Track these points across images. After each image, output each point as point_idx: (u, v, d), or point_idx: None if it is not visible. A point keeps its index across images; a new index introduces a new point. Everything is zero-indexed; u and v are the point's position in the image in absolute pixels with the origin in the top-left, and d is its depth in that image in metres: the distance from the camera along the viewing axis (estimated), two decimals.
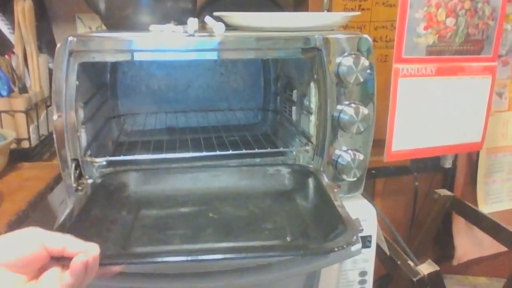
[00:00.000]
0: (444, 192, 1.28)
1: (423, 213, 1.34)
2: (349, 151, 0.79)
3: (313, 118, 0.81)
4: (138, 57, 0.69)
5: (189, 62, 1.03)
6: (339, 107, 0.77)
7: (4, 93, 0.96)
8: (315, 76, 0.77)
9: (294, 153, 0.86)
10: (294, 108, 0.92)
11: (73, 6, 1.15)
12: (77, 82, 0.69)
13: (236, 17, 0.78)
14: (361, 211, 0.80)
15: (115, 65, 0.99)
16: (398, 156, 1.00)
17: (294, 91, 0.91)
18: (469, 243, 1.37)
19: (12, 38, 0.99)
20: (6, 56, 0.98)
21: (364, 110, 0.76)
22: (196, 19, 0.69)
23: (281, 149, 0.86)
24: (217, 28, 0.69)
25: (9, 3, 0.97)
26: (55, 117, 0.69)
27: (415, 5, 0.92)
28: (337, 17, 0.77)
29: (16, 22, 0.99)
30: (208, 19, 0.71)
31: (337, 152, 0.80)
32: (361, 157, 0.79)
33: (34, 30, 1.00)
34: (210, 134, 0.95)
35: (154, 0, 0.80)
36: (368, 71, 0.75)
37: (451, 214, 1.33)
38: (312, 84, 0.80)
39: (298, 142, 0.88)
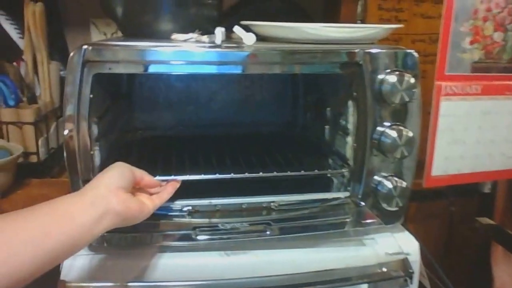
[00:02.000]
0: (486, 220, 1.19)
1: (458, 241, 1.25)
2: (391, 178, 0.71)
3: (350, 139, 0.74)
4: (160, 69, 0.63)
5: (212, 74, 0.96)
6: (380, 128, 0.70)
7: (12, 103, 0.91)
8: (354, 94, 0.70)
9: (329, 175, 0.79)
10: (327, 127, 0.85)
11: (87, 10, 1.09)
12: (91, 95, 0.62)
13: (267, 27, 0.71)
14: (403, 245, 0.73)
15: (132, 75, 0.93)
16: (439, 182, 0.92)
17: (328, 109, 0.84)
18: (509, 274, 1.28)
19: (21, 43, 0.94)
20: (15, 63, 0.93)
21: (408, 133, 0.68)
22: (223, 29, 0.63)
23: (316, 171, 0.78)
24: (248, 38, 0.63)
25: (19, 6, 0.92)
26: (66, 131, 0.63)
27: (460, 18, 0.85)
28: (378, 29, 0.70)
29: (26, 27, 0.94)
30: (237, 29, 0.64)
31: (377, 178, 0.72)
32: (404, 184, 0.71)
33: (45, 35, 0.94)
34: (235, 151, 0.88)
35: (176, 6, 0.74)
36: (414, 90, 0.67)
37: (490, 242, 1.24)
38: (349, 103, 0.73)
39: (331, 164, 0.80)
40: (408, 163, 0.72)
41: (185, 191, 0.69)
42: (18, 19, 0.94)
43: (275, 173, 0.73)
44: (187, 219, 0.69)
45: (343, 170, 0.75)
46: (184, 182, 0.69)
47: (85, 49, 0.60)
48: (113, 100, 0.83)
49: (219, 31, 0.62)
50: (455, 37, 0.85)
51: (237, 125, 0.99)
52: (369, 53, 0.66)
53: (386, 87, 0.67)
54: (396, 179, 0.71)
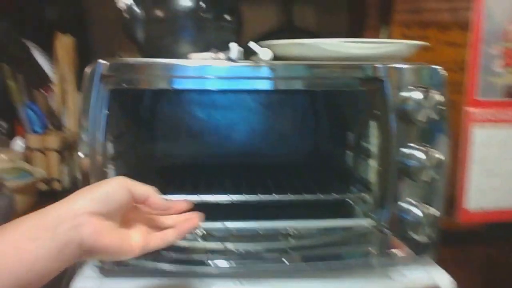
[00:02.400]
0: None
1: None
2: (419, 204, 0.66)
3: (373, 162, 0.70)
4: (175, 84, 0.62)
5: (232, 103, 0.95)
6: (405, 150, 0.65)
7: (38, 129, 0.93)
8: (376, 113, 0.67)
9: (351, 202, 0.74)
10: (348, 152, 0.81)
11: (114, 44, 1.13)
12: (107, 112, 0.62)
13: (281, 46, 0.69)
14: (437, 283, 0.66)
15: (153, 102, 0.93)
16: (473, 217, 0.85)
17: (349, 133, 0.80)
18: None
19: (51, 73, 0.97)
20: (44, 92, 0.95)
21: (437, 155, 0.64)
22: (237, 44, 0.62)
23: (334, 195, 0.73)
24: (264, 53, 0.61)
25: (50, 38, 0.96)
26: (80, 147, 0.62)
27: (490, 40, 0.81)
28: (402, 45, 0.67)
29: (56, 58, 0.97)
30: (252, 44, 0.64)
31: (404, 204, 0.67)
32: (435, 212, 0.65)
33: (73, 66, 0.97)
34: (252, 176, 0.84)
35: (196, 30, 0.74)
36: (441, 107, 0.63)
37: None
38: (371, 123, 0.69)
39: (352, 189, 0.76)
40: (438, 189, 0.66)
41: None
42: (49, 50, 0.98)
43: (290, 196, 0.69)
44: (200, 243, 0.65)
45: (364, 194, 0.70)
46: (197, 205, 0.66)
47: (101, 64, 0.61)
48: (133, 125, 0.83)
49: (234, 46, 0.61)
50: (485, 60, 0.82)
51: (257, 156, 0.97)
52: (392, 68, 0.64)
53: (411, 104, 0.63)
54: (426, 206, 0.66)
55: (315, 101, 0.96)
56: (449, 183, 0.76)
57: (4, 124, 0.96)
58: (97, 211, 0.45)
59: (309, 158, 1.00)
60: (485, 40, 0.81)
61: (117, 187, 0.48)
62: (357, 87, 0.64)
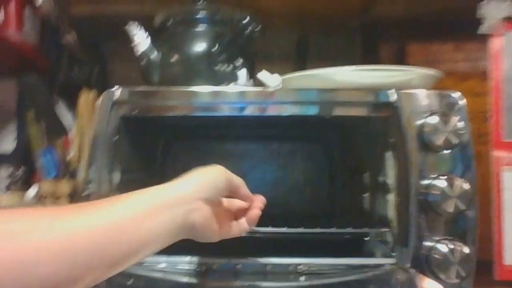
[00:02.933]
0: None
1: None
2: (446, 241, 0.59)
3: (391, 197, 0.64)
4: (186, 110, 0.62)
5: (245, 152, 0.94)
6: (425, 181, 0.60)
7: (52, 175, 0.93)
8: (392, 142, 0.63)
9: (370, 240, 0.67)
10: (366, 195, 0.75)
11: None
12: (116, 137, 0.61)
13: (287, 80, 0.69)
14: None
15: (166, 145, 0.92)
16: None
17: (364, 175, 0.76)
18: None
19: (72, 124, 1.00)
20: (63, 141, 0.97)
21: (461, 183, 0.58)
22: (245, 69, 0.62)
23: (350, 229, 0.66)
24: (273, 80, 0.61)
25: (76, 94, 1.00)
26: (87, 171, 0.60)
27: (511, 81, 0.79)
28: (415, 73, 0.65)
29: (78, 111, 1.00)
30: (261, 74, 0.64)
31: (428, 242, 0.60)
32: (465, 248, 0.58)
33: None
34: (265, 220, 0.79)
35: (210, 71, 0.76)
36: (462, 131, 0.59)
37: None
38: (387, 154, 0.65)
39: (372, 227, 0.69)
40: (467, 222, 0.59)
41: (200, 247, 0.61)
42: (73, 104, 1.02)
43: (302, 229, 0.63)
44: (200, 280, 0.59)
45: (384, 231, 0.63)
46: None
47: (114, 90, 0.61)
48: (144, 165, 0.81)
49: (243, 72, 0.61)
50: (509, 99, 0.78)
51: (270, 206, 0.91)
52: (406, 93, 0.61)
53: (428, 129, 0.59)
54: (453, 242, 0.58)
55: (328, 148, 0.92)
56: (483, 238, 0.69)
57: (20, 171, 0.96)
58: (207, 198, 0.47)
59: (324, 205, 0.94)
60: (507, 79, 0.79)
61: (220, 176, 0.50)
62: (370, 113, 0.62)
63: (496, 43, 0.81)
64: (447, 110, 0.61)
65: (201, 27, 0.76)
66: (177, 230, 0.44)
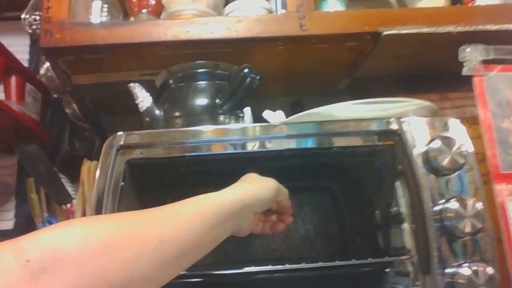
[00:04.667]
0: None
1: None
2: (468, 263, 0.57)
3: (406, 225, 0.63)
4: (190, 150, 0.62)
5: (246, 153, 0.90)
6: (438, 206, 0.60)
7: None
8: (399, 168, 0.63)
9: (389, 272, 0.64)
10: (379, 233, 0.73)
11: None
12: (122, 183, 0.60)
13: (295, 120, 0.71)
14: None
15: (173, 187, 0.89)
16: None
17: (376, 212, 0.75)
18: None
19: (73, 192, 0.98)
20: (66, 207, 0.95)
21: (473, 202, 0.58)
22: (249, 109, 0.64)
23: (370, 260, 0.63)
24: (277, 117, 0.63)
25: (78, 165, 1.00)
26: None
27: (498, 115, 0.82)
28: (412, 106, 0.67)
29: (80, 180, 0.99)
30: (266, 113, 0.65)
31: (450, 267, 0.58)
32: (488, 269, 0.56)
33: None
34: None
35: (211, 123, 0.78)
36: (466, 151, 0.61)
37: None
38: (397, 183, 0.65)
39: (391, 260, 0.66)
40: (485, 241, 0.58)
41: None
42: (75, 177, 1.01)
43: (321, 264, 0.60)
44: None
45: (404, 257, 0.61)
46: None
47: (119, 135, 0.62)
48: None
49: (248, 110, 0.63)
50: (500, 134, 0.81)
51: (280, 261, 0.88)
52: (407, 121, 0.63)
53: (433, 155, 0.60)
54: (477, 264, 0.57)
55: (335, 197, 0.91)
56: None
57: None
58: (259, 211, 0.56)
59: (337, 251, 0.90)
60: (494, 116, 0.82)
61: (273, 191, 0.57)
62: (375, 142, 0.63)
63: (479, 84, 0.86)
64: (448, 134, 0.62)
65: (202, 83, 0.79)
66: (228, 235, 0.51)
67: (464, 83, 0.87)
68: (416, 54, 0.97)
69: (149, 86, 0.82)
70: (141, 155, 0.61)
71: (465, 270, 0.56)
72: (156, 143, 0.61)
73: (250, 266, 0.60)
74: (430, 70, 1.05)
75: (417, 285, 0.59)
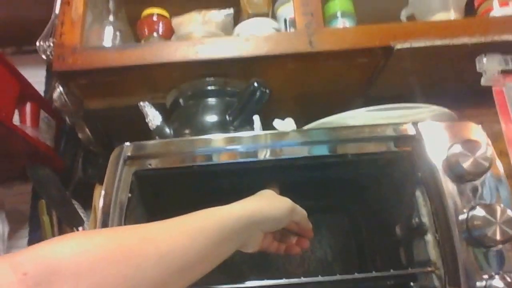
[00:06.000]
0: None
1: None
2: (501, 275, 0.51)
3: (430, 237, 0.58)
4: (199, 159, 0.59)
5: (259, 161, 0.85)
6: (464, 214, 0.55)
7: None
8: (419, 176, 0.59)
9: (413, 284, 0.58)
10: (401, 249, 0.68)
11: None
12: (129, 194, 0.58)
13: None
14: None
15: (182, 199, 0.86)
16: None
17: (397, 227, 0.69)
18: None
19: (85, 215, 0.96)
20: (76, 230, 0.92)
21: (503, 209, 0.53)
22: (258, 117, 0.61)
23: (392, 271, 0.57)
24: (287, 124, 0.60)
25: (85, 189, 0.99)
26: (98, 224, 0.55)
27: None
28: (430, 111, 0.64)
29: (92, 206, 0.97)
30: (276, 122, 0.63)
31: (480, 281, 0.52)
32: None
33: None
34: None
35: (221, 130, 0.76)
36: (489, 155, 0.56)
37: None
38: (417, 192, 0.61)
39: (416, 275, 0.60)
40: None
41: None
42: (87, 204, 1.00)
43: (338, 277, 0.55)
44: None
45: (429, 269, 0.55)
46: None
47: (127, 146, 0.60)
48: None
49: (257, 118, 0.60)
50: None
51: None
52: (425, 125, 0.59)
53: (454, 158, 0.56)
54: (509, 275, 0.51)
55: (352, 215, 0.86)
56: None
57: None
58: (268, 231, 0.53)
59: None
60: None
61: (286, 211, 0.53)
62: (391, 148, 0.59)
63: (499, 95, 0.82)
64: (468, 138, 0.59)
65: (211, 100, 0.78)
66: (234, 250, 0.49)
67: (482, 99, 0.83)
68: (431, 70, 0.94)
69: (160, 109, 0.81)
70: (149, 166, 0.59)
71: (497, 282, 0.51)
72: (164, 152, 0.59)
73: (252, 280, 0.56)
74: (446, 86, 1.02)
75: None
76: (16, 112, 0.94)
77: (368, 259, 0.81)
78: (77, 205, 1.00)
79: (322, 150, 0.59)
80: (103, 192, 0.57)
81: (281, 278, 0.69)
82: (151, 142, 0.60)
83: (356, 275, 0.55)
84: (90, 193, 1.01)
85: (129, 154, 0.59)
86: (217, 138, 0.60)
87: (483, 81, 0.81)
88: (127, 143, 0.60)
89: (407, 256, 0.66)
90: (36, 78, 1.14)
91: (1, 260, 0.35)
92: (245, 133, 0.60)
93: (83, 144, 1.05)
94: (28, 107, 0.95)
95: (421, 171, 0.59)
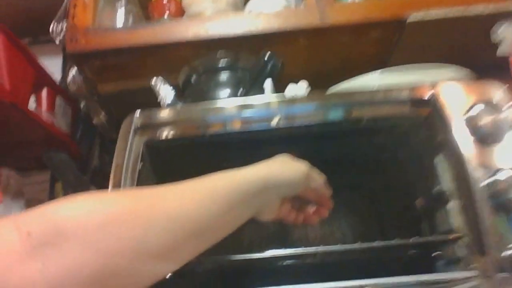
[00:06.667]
0: None
1: None
2: None
3: (452, 204, 0.54)
4: (213, 127, 0.56)
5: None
6: (487, 180, 0.51)
7: None
8: (438, 139, 0.55)
9: (437, 256, 0.54)
10: (424, 223, 0.64)
11: None
12: (140, 164, 0.55)
13: None
14: None
15: (195, 168, 0.82)
16: None
17: (417, 201, 0.65)
18: None
19: None
20: None
21: None
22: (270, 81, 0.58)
23: (416, 239, 0.53)
24: (300, 88, 0.57)
25: (102, 178, 0.97)
26: None
27: None
28: (449, 71, 0.60)
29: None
30: (288, 89, 0.59)
31: (510, 249, 0.48)
32: None
33: None
34: None
35: None
36: None
37: None
38: (438, 158, 0.56)
39: (440, 237, 0.56)
40: None
41: (257, 276, 0.50)
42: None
43: (358, 245, 0.51)
44: None
45: (454, 235, 0.51)
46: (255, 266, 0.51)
47: (135, 114, 0.57)
48: None
49: (268, 82, 0.57)
50: None
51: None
52: (443, 86, 0.55)
53: (476, 119, 0.52)
54: None
55: (372, 193, 0.81)
56: None
57: None
58: (283, 196, 0.49)
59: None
60: None
61: (302, 175, 0.49)
62: (407, 112, 0.55)
63: None
64: (490, 97, 0.54)
65: (223, 75, 0.75)
66: (249, 217, 0.45)
67: (500, 73, 0.78)
68: (446, 44, 0.89)
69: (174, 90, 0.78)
70: (159, 136, 0.56)
71: None
72: (175, 120, 0.56)
73: (273, 249, 0.52)
74: (462, 62, 0.97)
75: (472, 269, 0.49)
76: (33, 100, 0.92)
77: (389, 238, 0.76)
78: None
79: (337, 114, 0.55)
80: (114, 163, 0.54)
81: None
82: (162, 109, 0.57)
83: (376, 244, 0.51)
84: (107, 181, 0.99)
85: (139, 123, 0.56)
86: (230, 105, 0.57)
87: (499, 52, 0.77)
88: (137, 111, 0.57)
89: (430, 228, 0.62)
90: (53, 67, 1.13)
91: (6, 219, 0.33)
92: (258, 98, 0.57)
93: (99, 131, 1.04)
94: (44, 92, 0.93)
95: (441, 135, 0.55)
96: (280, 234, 0.77)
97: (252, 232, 0.76)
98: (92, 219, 0.33)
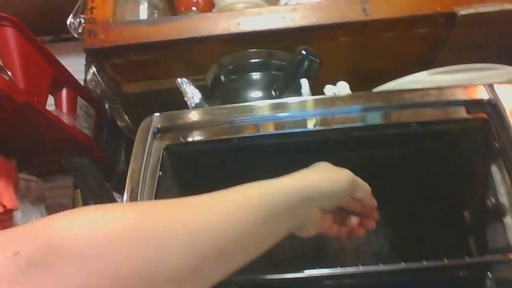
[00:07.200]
0: None
1: None
2: None
3: (509, 219, 0.52)
4: (241, 131, 0.56)
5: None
6: None
7: None
8: (496, 147, 0.53)
9: (491, 279, 0.52)
10: (472, 237, 0.61)
11: None
12: (160, 173, 0.55)
13: None
14: None
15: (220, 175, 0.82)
16: None
17: (466, 213, 0.62)
18: None
19: None
20: None
21: None
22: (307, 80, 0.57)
23: (466, 259, 0.51)
24: (341, 87, 0.55)
25: None
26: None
27: None
28: (502, 75, 0.58)
29: None
30: (327, 89, 0.58)
31: None
32: None
33: None
34: None
35: None
36: None
37: None
38: (493, 167, 0.54)
39: (494, 263, 0.54)
40: None
41: None
42: None
43: (402, 265, 0.49)
44: None
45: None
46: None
47: (156, 116, 0.57)
48: None
49: (305, 82, 0.56)
50: None
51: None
52: (503, 88, 0.53)
53: None
54: None
55: (413, 204, 0.78)
56: None
57: None
58: (325, 208, 0.47)
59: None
60: None
61: (346, 184, 0.47)
62: (462, 114, 0.53)
63: None
64: None
65: (255, 74, 0.75)
66: (287, 234, 0.43)
67: None
68: (501, 43, 0.86)
69: (201, 91, 0.79)
70: (182, 140, 0.55)
71: None
72: (200, 123, 0.55)
73: (308, 265, 0.51)
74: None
75: None
76: (52, 100, 0.94)
77: (430, 250, 0.74)
78: (120, 199, 0.99)
79: (380, 118, 0.54)
80: (130, 169, 0.54)
81: None
82: (184, 111, 0.57)
83: (424, 264, 0.49)
84: None
85: (159, 125, 0.55)
86: (260, 105, 0.56)
87: None
88: (157, 113, 0.57)
89: (478, 245, 0.59)
90: (76, 66, 1.15)
91: None
92: (293, 98, 0.56)
93: (125, 135, 1.04)
94: (64, 93, 0.95)
95: (499, 141, 0.52)
96: (314, 245, 0.75)
97: (284, 244, 0.75)
98: (94, 235, 0.30)
